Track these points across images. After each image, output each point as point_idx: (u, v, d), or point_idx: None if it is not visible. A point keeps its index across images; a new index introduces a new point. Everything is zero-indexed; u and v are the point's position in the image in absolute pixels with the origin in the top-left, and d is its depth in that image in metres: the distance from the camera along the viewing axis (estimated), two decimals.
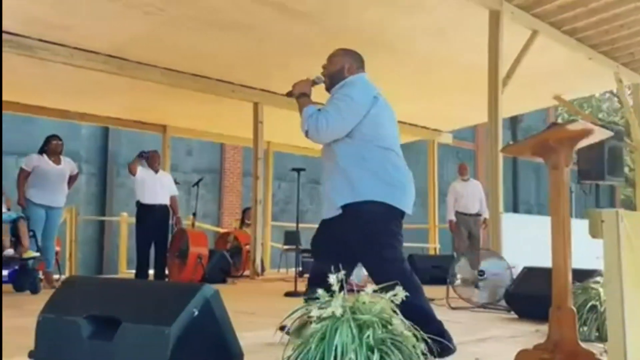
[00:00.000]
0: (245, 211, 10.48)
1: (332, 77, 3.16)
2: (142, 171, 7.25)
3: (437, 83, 8.13)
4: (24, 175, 6.70)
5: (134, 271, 7.35)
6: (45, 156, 6.78)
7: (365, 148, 2.97)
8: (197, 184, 8.66)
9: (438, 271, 7.12)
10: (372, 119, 3.00)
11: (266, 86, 8.42)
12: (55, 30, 6.26)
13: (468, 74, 7.38)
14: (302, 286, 6.41)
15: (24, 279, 6.29)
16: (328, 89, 3.17)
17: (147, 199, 7.15)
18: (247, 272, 8.70)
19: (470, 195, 8.51)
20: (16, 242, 6.33)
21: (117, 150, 12.36)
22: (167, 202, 7.33)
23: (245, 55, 7.06)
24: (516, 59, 6.35)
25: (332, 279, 2.07)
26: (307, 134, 2.98)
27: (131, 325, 2.01)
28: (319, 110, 2.96)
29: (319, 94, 3.21)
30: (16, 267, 6.29)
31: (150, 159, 7.39)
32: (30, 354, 2.23)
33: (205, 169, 13.92)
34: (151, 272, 7.22)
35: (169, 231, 7.37)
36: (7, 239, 6.20)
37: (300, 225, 7.28)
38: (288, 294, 6.14)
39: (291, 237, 10.52)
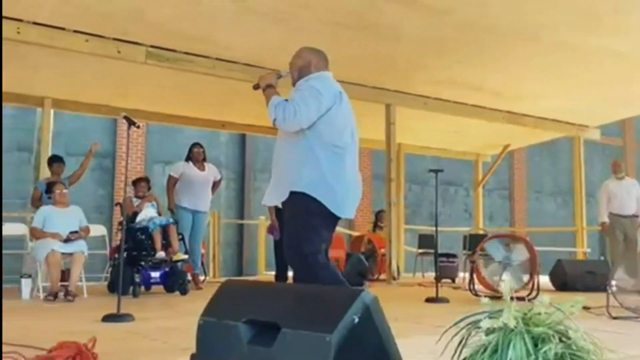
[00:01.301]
0: (378, 214, 10.40)
1: (299, 71, 3.30)
2: None
3: (584, 75, 7.56)
4: (172, 182, 7.07)
5: (273, 273, 7.50)
6: (190, 163, 7.12)
7: (319, 145, 3.12)
8: None
9: (591, 278, 6.60)
10: (332, 118, 3.13)
11: (399, 87, 8.29)
12: (198, 42, 6.54)
13: (620, 64, 6.79)
14: (442, 292, 6.21)
15: (174, 280, 6.62)
16: (294, 83, 3.31)
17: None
18: (382, 276, 8.60)
19: (626, 194, 7.83)
20: (166, 245, 6.69)
21: (254, 156, 12.79)
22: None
23: (378, 56, 6.98)
24: None
25: (503, 287, 1.90)
26: (274, 122, 3.11)
27: (291, 331, 1.97)
28: (285, 100, 3.11)
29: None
30: (167, 269, 6.63)
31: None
32: (193, 357, 2.26)
33: None
34: (290, 274, 7.32)
35: None
36: (158, 242, 6.57)
37: (435, 228, 7.05)
38: (429, 300, 5.95)
39: (426, 241, 10.29)
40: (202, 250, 7.55)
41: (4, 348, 2.99)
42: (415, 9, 5.72)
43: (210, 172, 7.26)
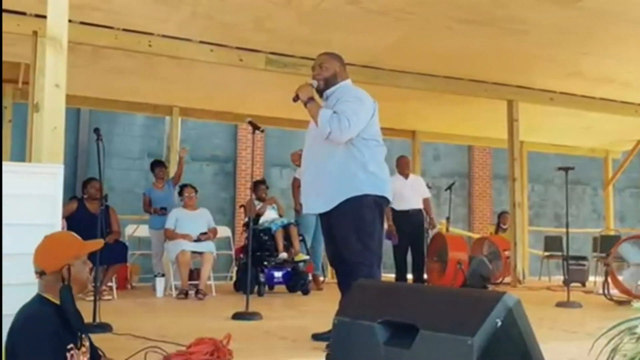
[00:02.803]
0: (501, 215, 10.04)
1: (327, 82, 3.50)
2: (392, 180, 7.32)
3: None
4: (297, 184, 7.17)
5: (392, 275, 7.45)
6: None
7: (364, 146, 3.34)
8: (449, 187, 8.52)
9: None
10: (372, 122, 3.40)
11: (522, 82, 7.95)
12: (316, 46, 6.60)
13: None
14: (573, 296, 5.88)
15: (296, 280, 6.76)
16: (321, 93, 3.51)
17: (400, 205, 7.16)
18: (507, 279, 8.28)
19: None
20: (288, 246, 6.84)
21: None
22: (419, 206, 7.29)
23: (499, 51, 6.72)
24: None
25: None
26: (329, 135, 3.25)
27: (429, 333, 1.92)
28: (335, 112, 3.25)
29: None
30: (289, 269, 6.77)
31: (400, 165, 7.44)
32: (328, 357, 2.28)
33: (453, 173, 13.71)
34: (409, 276, 7.24)
35: (424, 235, 7.33)
36: (281, 243, 6.73)
37: (562, 229, 6.69)
38: (560, 305, 5.64)
39: (552, 243, 9.81)
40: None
41: (145, 342, 3.17)
42: (541, 0, 5.45)
43: None
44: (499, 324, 1.85)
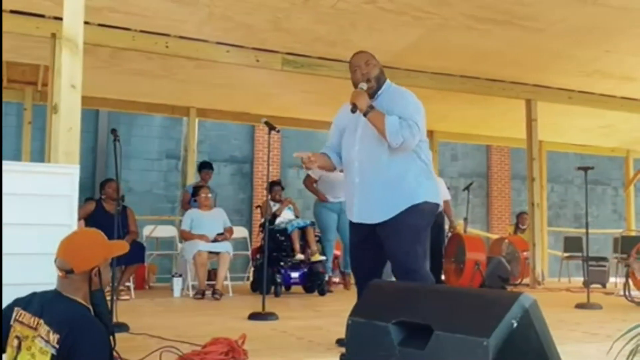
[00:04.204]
0: (519, 215, 9.95)
1: (377, 80, 3.21)
2: None
3: None
4: (311, 181, 7.17)
5: None
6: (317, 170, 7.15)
7: (420, 150, 3.16)
8: (467, 188, 8.46)
9: None
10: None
11: (540, 81, 7.87)
12: (332, 46, 6.61)
13: None
14: (593, 298, 5.80)
15: (313, 280, 6.75)
16: (373, 94, 3.18)
17: None
18: (525, 280, 8.20)
19: None
20: (304, 247, 6.83)
21: None
22: (440, 208, 7.24)
23: (519, 50, 6.66)
24: None
25: None
26: (402, 143, 3.02)
27: (444, 334, 1.90)
28: (401, 118, 3.02)
29: None
30: (305, 270, 6.76)
31: None
32: (342, 357, 2.26)
33: (472, 173, 13.62)
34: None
35: (444, 236, 7.29)
36: (297, 243, 6.72)
37: (582, 230, 6.61)
38: (580, 306, 5.57)
39: (572, 243, 9.71)
40: (337, 252, 7.61)
41: (161, 342, 3.18)
42: None
43: None
44: (515, 324, 1.82)
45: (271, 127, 4.82)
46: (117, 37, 6.01)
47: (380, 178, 3.13)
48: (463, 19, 5.86)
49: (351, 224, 3.28)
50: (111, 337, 2.23)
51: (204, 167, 7.68)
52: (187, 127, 9.00)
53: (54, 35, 5.63)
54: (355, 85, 3.23)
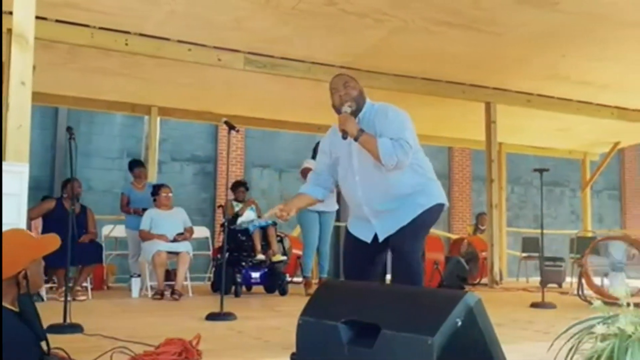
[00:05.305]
0: (479, 216, 10.12)
1: (358, 102, 3.20)
2: None
3: None
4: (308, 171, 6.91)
5: None
6: (312, 161, 7.01)
7: (416, 157, 3.20)
8: None
9: None
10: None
11: (500, 84, 8.02)
12: (294, 47, 6.63)
13: None
14: (549, 297, 5.93)
15: (274, 281, 6.75)
16: (355, 114, 3.18)
17: None
18: (484, 280, 8.34)
19: None
20: (266, 247, 6.82)
21: None
22: None
23: (478, 53, 6.77)
24: None
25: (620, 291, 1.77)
26: (397, 164, 3.03)
27: (391, 332, 1.93)
28: (392, 139, 3.03)
29: None
30: (266, 270, 6.76)
31: None
32: (293, 357, 2.28)
33: None
34: (388, 276, 7.25)
35: None
36: (258, 243, 6.71)
37: (540, 231, 6.74)
38: (535, 305, 5.69)
39: (530, 244, 9.91)
40: (299, 252, 7.62)
41: (114, 343, 3.14)
42: (518, 2, 5.49)
43: None
44: (460, 323, 1.87)
45: (231, 127, 4.80)
46: (76, 34, 5.91)
47: (388, 198, 3.16)
48: (422, 22, 5.93)
49: (358, 244, 3.25)
50: (43, 343, 2.17)
51: (135, 165, 7.50)
52: (149, 125, 8.89)
53: (9, 31, 5.50)
54: (336, 109, 3.22)
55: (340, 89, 3.21)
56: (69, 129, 4.17)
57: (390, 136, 3.05)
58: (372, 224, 3.21)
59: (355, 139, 3.06)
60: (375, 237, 3.21)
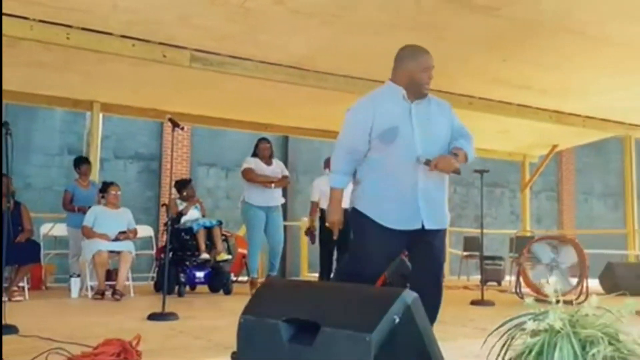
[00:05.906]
0: None
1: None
2: (321, 180, 7.33)
3: (636, 72, 7.32)
4: (249, 171, 6.83)
5: (316, 275, 7.50)
6: (257, 159, 7.00)
7: None
8: None
9: None
10: None
11: (443, 86, 8.14)
12: (242, 45, 6.59)
13: None
14: (488, 295, 6.11)
15: (218, 280, 6.70)
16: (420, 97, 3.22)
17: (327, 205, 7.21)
18: None
19: None
20: (210, 246, 6.77)
21: (296, 158, 12.83)
22: (347, 205, 7.32)
23: None
24: None
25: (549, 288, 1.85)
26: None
27: (331, 330, 1.96)
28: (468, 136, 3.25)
29: None
30: (210, 269, 6.71)
31: (329, 164, 7.48)
32: (233, 355, 2.28)
33: None
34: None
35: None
36: (202, 242, 6.65)
37: (480, 230, 6.94)
38: (474, 303, 5.85)
39: (471, 243, 10.15)
40: (244, 251, 7.57)
41: (51, 344, 3.07)
42: (461, 7, 5.62)
43: (278, 167, 7.07)
44: (397, 320, 1.91)
45: (175, 124, 4.75)
46: (14, 26, 5.70)
47: (440, 181, 3.14)
48: (369, 24, 5.99)
49: (388, 232, 3.06)
50: None
51: (81, 162, 7.36)
52: (91, 122, 8.67)
53: None
54: (416, 83, 3.22)
55: (432, 71, 3.25)
56: (5, 124, 4.04)
57: (456, 127, 3.25)
58: (420, 207, 3.02)
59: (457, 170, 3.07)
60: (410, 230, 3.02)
